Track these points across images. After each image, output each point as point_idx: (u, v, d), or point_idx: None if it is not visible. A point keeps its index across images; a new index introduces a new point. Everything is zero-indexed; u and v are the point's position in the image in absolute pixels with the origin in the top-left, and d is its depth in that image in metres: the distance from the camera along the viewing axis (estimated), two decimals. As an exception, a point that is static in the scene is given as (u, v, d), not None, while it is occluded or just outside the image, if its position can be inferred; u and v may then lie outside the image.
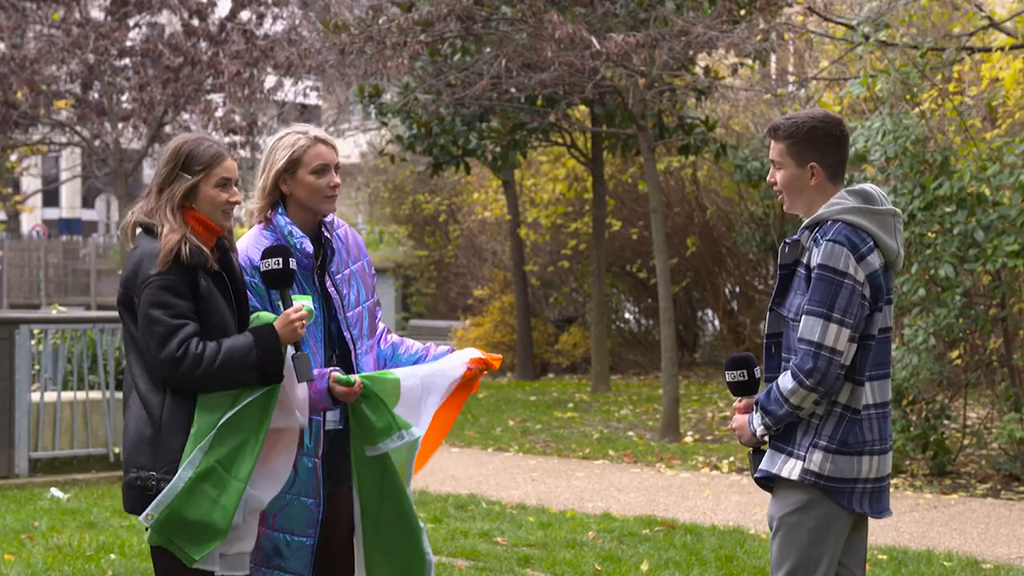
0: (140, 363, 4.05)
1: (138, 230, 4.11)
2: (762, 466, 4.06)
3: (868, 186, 4.06)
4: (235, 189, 4.16)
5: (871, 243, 3.95)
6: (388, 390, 4.31)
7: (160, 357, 3.94)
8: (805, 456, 3.97)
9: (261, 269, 4.21)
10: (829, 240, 3.90)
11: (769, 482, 4.09)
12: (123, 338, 4.17)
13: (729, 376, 4.16)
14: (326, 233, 4.47)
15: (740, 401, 4.16)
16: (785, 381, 3.94)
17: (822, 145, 4.01)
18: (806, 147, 4.01)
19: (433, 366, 4.51)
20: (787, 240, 4.04)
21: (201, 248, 4.03)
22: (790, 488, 4.02)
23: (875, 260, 3.95)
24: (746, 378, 4.14)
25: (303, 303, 4.17)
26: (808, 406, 3.94)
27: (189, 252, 3.98)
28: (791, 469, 3.99)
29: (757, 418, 4.03)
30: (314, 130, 4.49)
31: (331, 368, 4.33)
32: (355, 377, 4.28)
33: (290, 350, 4.10)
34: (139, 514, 3.99)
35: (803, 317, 3.92)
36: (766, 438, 4.10)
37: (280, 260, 4.17)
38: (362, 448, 4.29)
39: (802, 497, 4.00)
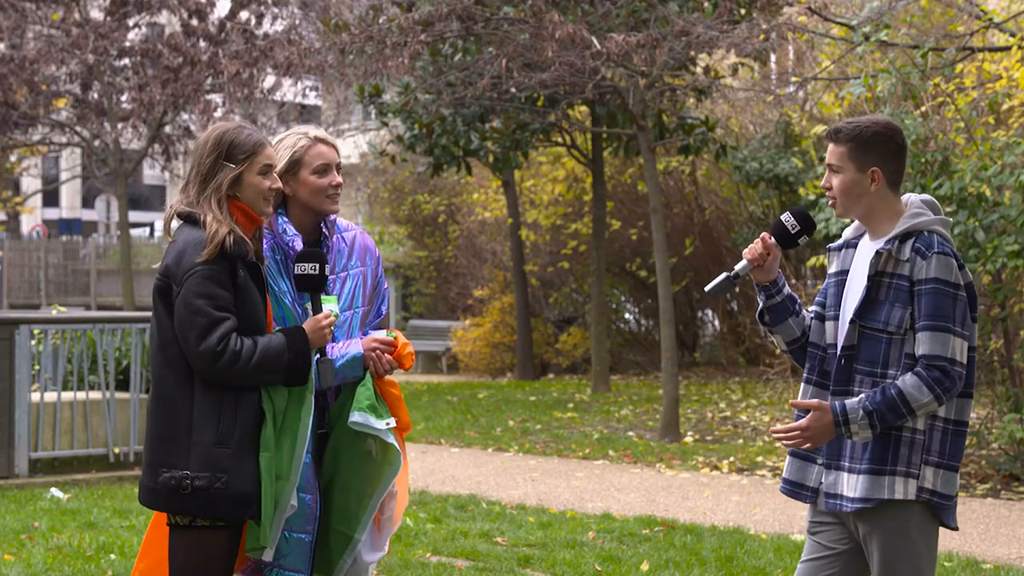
0: (165, 354, 4.03)
1: (177, 221, 4.11)
2: (869, 494, 3.89)
3: (930, 197, 4.03)
4: (275, 175, 4.19)
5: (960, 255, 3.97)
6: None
7: (200, 349, 3.94)
8: (919, 474, 3.88)
9: (296, 272, 4.27)
10: (939, 253, 3.85)
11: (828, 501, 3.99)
12: (151, 329, 4.13)
13: (789, 224, 4.08)
14: (325, 231, 4.48)
15: (772, 239, 4.08)
16: (919, 394, 3.80)
17: (884, 151, 3.95)
18: (869, 152, 3.94)
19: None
20: (879, 250, 3.91)
21: (244, 239, 4.05)
22: (895, 508, 3.90)
23: (968, 271, 3.94)
24: (795, 231, 4.08)
25: (331, 308, 4.27)
26: (920, 420, 3.88)
27: (233, 242, 3.99)
28: (905, 489, 3.88)
29: (859, 423, 3.82)
30: (314, 130, 4.50)
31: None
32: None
33: (314, 355, 4.19)
34: (170, 511, 4.03)
35: (927, 333, 3.82)
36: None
37: (316, 266, 4.24)
38: (347, 414, 4.33)
39: (909, 516, 3.90)
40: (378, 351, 4.36)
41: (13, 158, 30.59)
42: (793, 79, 16.56)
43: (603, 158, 18.06)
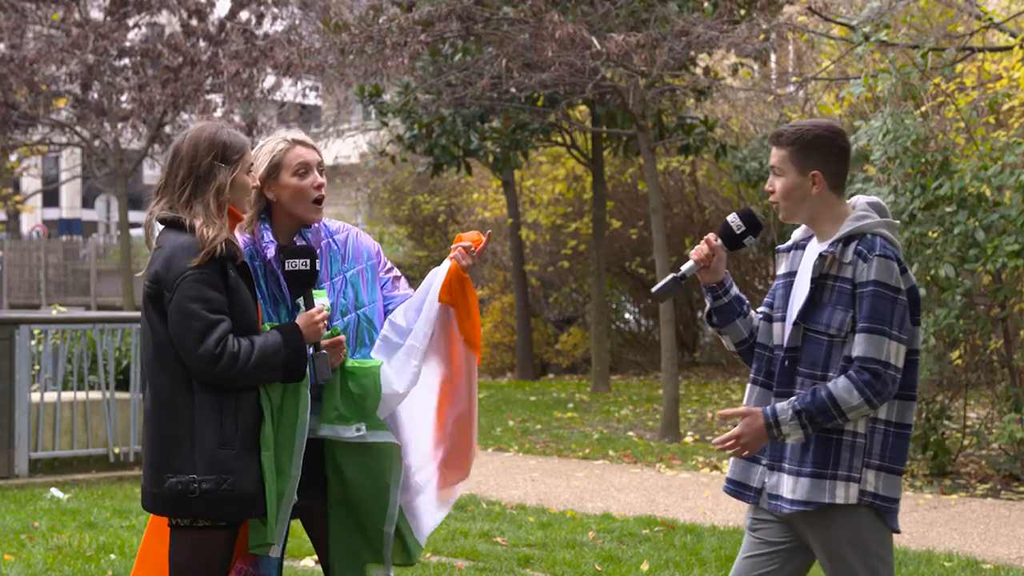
0: (161, 360, 4.01)
1: (159, 226, 4.09)
2: (810, 498, 3.90)
3: (877, 199, 4.03)
4: (253, 174, 4.20)
5: (903, 258, 3.93)
6: (368, 385, 4.34)
7: (197, 353, 3.93)
8: (860, 477, 3.88)
9: (286, 268, 4.25)
10: (880, 256, 3.84)
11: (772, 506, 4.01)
12: (143, 336, 4.11)
13: (735, 225, 4.10)
14: (309, 238, 4.42)
15: (717, 240, 4.11)
16: (849, 396, 3.79)
17: (826, 154, 3.96)
18: (810, 155, 3.95)
19: (416, 297, 4.51)
20: (822, 253, 3.93)
21: (233, 242, 4.05)
22: (839, 512, 3.91)
23: (911, 275, 3.93)
24: (741, 232, 4.10)
25: (323, 302, 4.27)
26: (857, 423, 3.87)
27: (224, 246, 3.99)
28: (847, 493, 3.88)
29: (789, 424, 3.85)
30: (293, 133, 4.45)
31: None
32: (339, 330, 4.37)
33: (310, 349, 4.19)
34: (177, 516, 4.02)
35: (863, 335, 3.83)
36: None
37: (307, 261, 4.23)
38: (319, 424, 4.33)
39: (858, 519, 3.91)
40: (329, 351, 4.32)
41: (13, 158, 30.57)
42: (793, 79, 16.57)
43: (603, 158, 18.06)
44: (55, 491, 9.54)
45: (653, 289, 4.26)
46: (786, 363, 3.97)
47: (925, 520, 8.70)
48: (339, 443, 4.34)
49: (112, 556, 7.36)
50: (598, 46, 12.34)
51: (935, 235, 9.92)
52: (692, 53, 13.71)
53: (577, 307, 21.75)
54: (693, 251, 4.13)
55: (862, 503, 3.89)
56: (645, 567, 7.14)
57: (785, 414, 3.85)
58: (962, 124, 10.38)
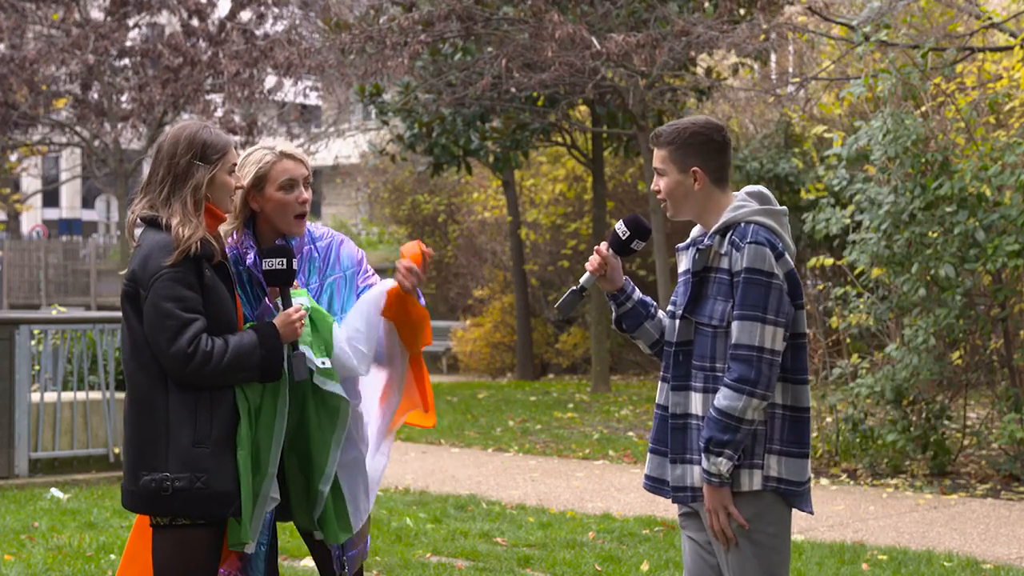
0: (138, 359, 4.02)
1: (139, 226, 4.10)
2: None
3: (759, 187, 4.08)
4: (237, 175, 4.18)
5: (781, 243, 3.97)
6: (328, 325, 4.34)
7: (170, 352, 3.93)
8: (763, 464, 3.93)
9: (264, 268, 4.23)
10: (751, 243, 3.89)
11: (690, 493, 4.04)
12: (122, 334, 4.12)
13: (620, 231, 4.15)
14: (287, 241, 4.41)
15: (608, 249, 4.18)
16: (731, 403, 3.84)
17: (704, 150, 4.02)
18: (688, 152, 4.01)
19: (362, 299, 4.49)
20: (698, 247, 3.99)
21: (210, 241, 4.04)
22: (741, 499, 3.94)
23: (789, 259, 3.98)
24: (626, 237, 4.16)
25: (301, 302, 4.23)
26: (759, 415, 3.89)
27: (200, 245, 3.98)
28: (751, 480, 3.93)
29: (710, 461, 3.88)
30: (282, 145, 4.44)
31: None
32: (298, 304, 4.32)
33: (287, 349, 4.16)
34: (152, 514, 4.02)
35: (736, 323, 3.87)
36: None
37: (284, 261, 4.21)
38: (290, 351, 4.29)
39: (756, 505, 3.94)
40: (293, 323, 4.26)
41: (13, 158, 30.59)
42: (793, 79, 16.56)
43: (603, 158, 18.07)
44: (55, 491, 9.54)
45: (556, 305, 4.33)
46: (680, 357, 4.03)
47: (925, 520, 8.70)
48: (297, 403, 4.30)
49: (112, 556, 7.36)
50: (598, 46, 12.35)
51: (935, 235, 9.92)
52: (692, 53, 13.71)
53: (577, 307, 21.76)
54: (588, 263, 4.19)
55: (766, 489, 3.93)
56: (645, 567, 7.14)
57: (706, 460, 3.89)
58: (962, 124, 10.37)
